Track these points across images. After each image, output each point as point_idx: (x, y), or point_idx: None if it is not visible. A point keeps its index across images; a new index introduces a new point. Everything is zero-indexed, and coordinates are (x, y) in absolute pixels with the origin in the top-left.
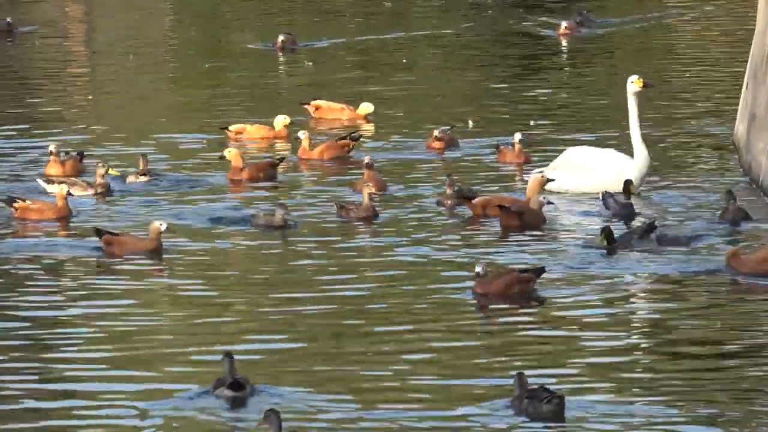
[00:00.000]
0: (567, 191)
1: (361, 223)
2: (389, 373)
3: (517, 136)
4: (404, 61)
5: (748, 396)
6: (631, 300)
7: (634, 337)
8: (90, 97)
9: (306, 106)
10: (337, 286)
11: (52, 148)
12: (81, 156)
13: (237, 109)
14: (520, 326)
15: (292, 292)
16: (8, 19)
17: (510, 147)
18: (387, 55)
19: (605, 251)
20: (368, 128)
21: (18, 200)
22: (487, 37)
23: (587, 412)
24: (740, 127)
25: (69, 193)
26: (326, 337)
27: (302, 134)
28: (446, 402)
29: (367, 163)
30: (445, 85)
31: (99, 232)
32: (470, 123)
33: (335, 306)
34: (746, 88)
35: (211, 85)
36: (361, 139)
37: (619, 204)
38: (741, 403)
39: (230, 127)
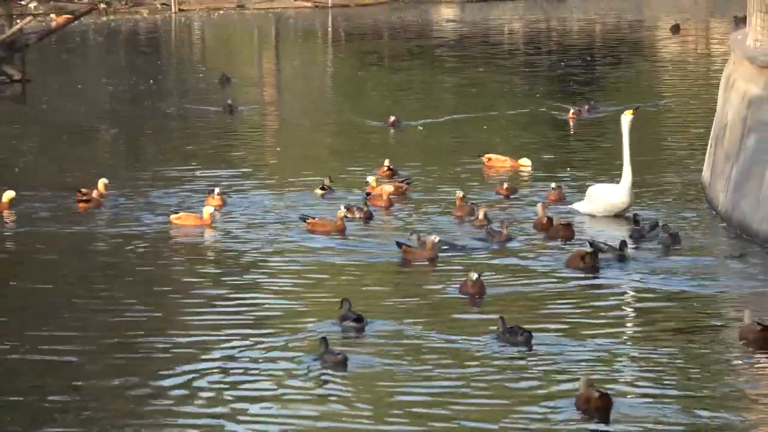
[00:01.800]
0: (584, 213)
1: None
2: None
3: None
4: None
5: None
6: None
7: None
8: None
9: (480, 158)
10: None
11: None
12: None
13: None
14: None
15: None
16: (229, 101)
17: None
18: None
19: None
20: (525, 174)
21: (309, 218)
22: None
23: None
24: (706, 173)
25: (345, 216)
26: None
27: (370, 178)
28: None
29: (461, 197)
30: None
31: (398, 244)
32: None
33: None
34: (710, 146)
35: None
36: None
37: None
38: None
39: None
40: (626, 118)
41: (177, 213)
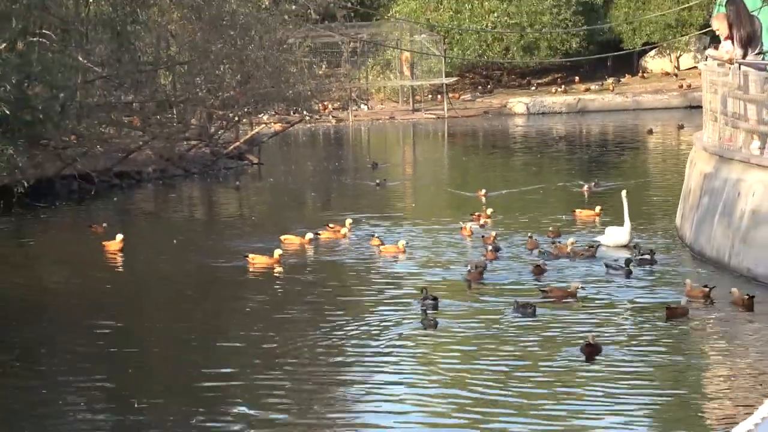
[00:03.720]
0: (604, 244)
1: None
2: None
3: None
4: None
5: None
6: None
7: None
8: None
9: (572, 212)
10: None
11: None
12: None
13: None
14: None
15: None
16: (378, 180)
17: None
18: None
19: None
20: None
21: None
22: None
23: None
24: (678, 219)
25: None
26: None
27: (469, 224)
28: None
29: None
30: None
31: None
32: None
33: None
34: (680, 203)
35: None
36: None
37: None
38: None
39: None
40: (624, 192)
41: (378, 240)
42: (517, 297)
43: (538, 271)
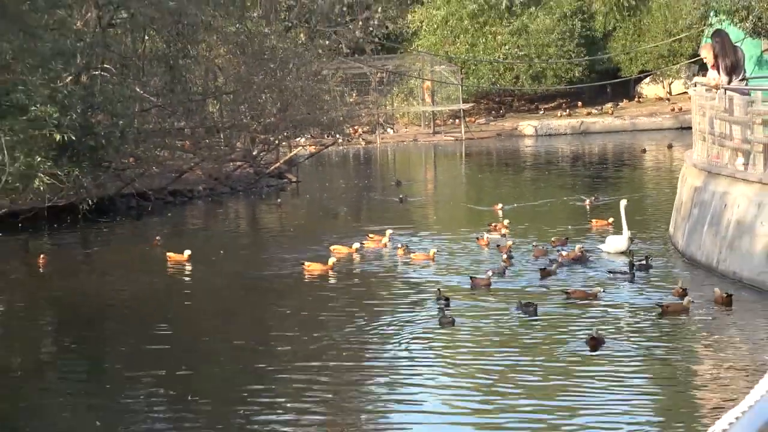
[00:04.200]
0: (605, 250)
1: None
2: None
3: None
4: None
5: None
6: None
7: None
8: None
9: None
10: None
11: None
12: None
13: None
14: None
15: None
16: (399, 179)
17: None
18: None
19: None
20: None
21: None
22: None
23: None
24: (671, 228)
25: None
26: None
27: (486, 235)
28: None
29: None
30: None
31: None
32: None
33: None
34: (673, 214)
35: None
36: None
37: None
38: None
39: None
40: (623, 201)
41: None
42: (523, 299)
43: (545, 274)
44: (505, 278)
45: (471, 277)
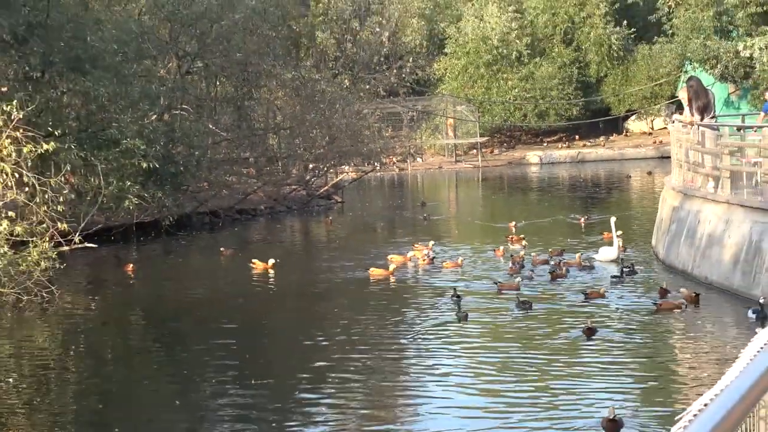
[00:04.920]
0: (598, 259)
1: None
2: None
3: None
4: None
5: None
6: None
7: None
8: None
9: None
10: None
11: None
12: None
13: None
14: None
15: None
16: (424, 200)
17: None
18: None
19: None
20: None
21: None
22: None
23: None
24: (653, 240)
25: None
26: None
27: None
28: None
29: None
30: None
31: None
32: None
33: None
34: (655, 229)
35: None
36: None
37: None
38: None
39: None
40: (613, 218)
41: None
42: (524, 298)
43: (554, 276)
44: (526, 284)
45: (496, 282)
